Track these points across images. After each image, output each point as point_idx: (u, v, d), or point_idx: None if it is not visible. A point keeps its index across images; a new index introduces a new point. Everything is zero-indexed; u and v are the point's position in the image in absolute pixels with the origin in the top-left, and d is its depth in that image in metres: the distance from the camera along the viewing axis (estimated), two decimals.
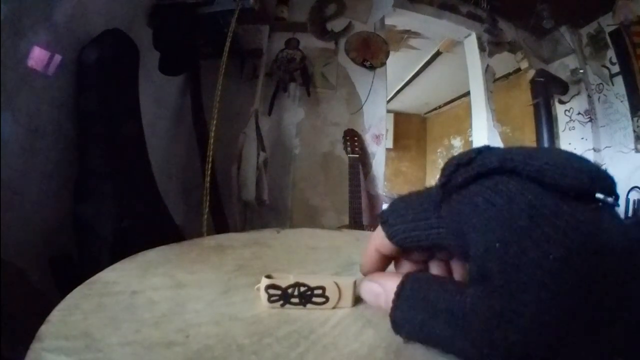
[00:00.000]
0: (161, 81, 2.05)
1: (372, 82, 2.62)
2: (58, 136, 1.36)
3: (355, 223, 2.20)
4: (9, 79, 1.13)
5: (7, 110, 1.13)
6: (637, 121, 2.83)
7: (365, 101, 2.61)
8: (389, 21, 2.84)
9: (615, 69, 2.99)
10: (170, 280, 0.59)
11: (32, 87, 1.25)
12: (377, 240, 0.37)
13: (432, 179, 6.94)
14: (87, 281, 0.56)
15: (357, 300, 0.56)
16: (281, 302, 0.49)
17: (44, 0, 1.27)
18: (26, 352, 0.37)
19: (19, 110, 1.19)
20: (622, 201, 2.75)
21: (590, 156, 3.11)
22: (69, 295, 0.50)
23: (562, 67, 3.33)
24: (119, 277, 0.59)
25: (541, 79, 3.17)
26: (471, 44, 3.15)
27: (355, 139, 2.44)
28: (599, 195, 0.23)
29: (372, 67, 2.61)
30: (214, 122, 1.74)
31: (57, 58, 1.34)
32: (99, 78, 1.44)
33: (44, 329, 0.42)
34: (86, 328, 0.43)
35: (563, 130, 3.38)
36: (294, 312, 0.50)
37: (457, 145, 6.12)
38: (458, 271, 0.36)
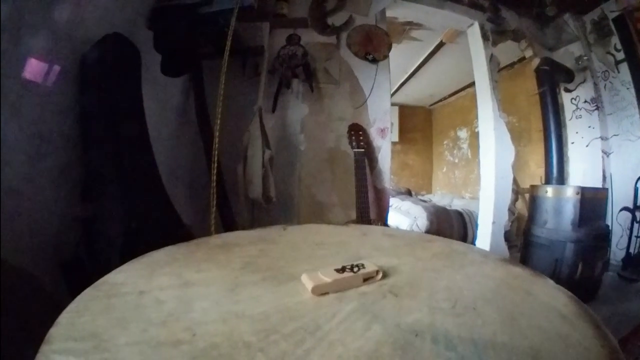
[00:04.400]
0: (164, 83, 2.05)
1: (376, 75, 2.61)
2: (63, 141, 1.37)
3: (363, 217, 2.20)
4: (10, 86, 1.14)
5: (11, 117, 1.14)
6: None
7: (369, 95, 2.60)
8: (390, 13, 2.82)
9: (621, 55, 2.96)
10: (177, 280, 0.60)
11: (34, 94, 1.26)
12: None
13: (439, 170, 6.92)
14: (95, 283, 0.57)
15: (366, 294, 0.57)
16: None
17: (43, 8, 1.27)
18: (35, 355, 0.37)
19: (23, 117, 1.20)
20: (630, 190, 2.72)
21: (598, 144, 3.09)
22: (77, 298, 0.51)
23: (567, 55, 3.30)
24: (127, 278, 0.60)
25: (546, 67, 3.14)
26: (474, 34, 3.13)
27: (360, 133, 2.43)
28: None
29: (374, 61, 2.60)
30: (218, 121, 1.73)
31: (56, 68, 1.34)
32: (101, 82, 1.45)
33: (53, 331, 0.43)
34: (94, 329, 0.43)
35: (570, 119, 3.36)
36: (301, 308, 0.51)
37: (464, 137, 6.09)
38: None
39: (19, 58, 1.18)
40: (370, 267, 0.62)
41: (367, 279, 0.61)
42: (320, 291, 0.55)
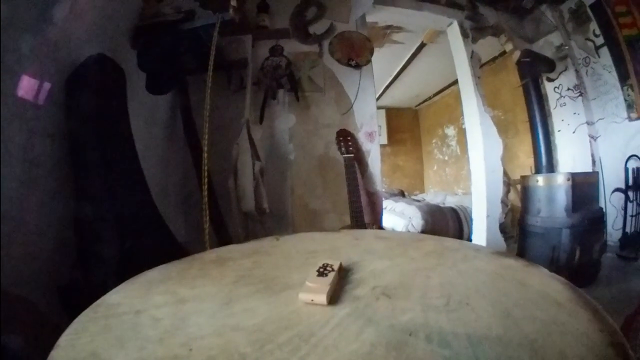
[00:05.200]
0: (150, 101, 2.06)
1: (360, 80, 2.63)
2: (52, 165, 1.37)
3: (357, 222, 2.20)
4: None
5: (2, 142, 1.13)
6: (627, 90, 2.83)
7: (355, 100, 2.62)
8: (370, 18, 2.85)
9: (600, 40, 3.00)
10: (172, 297, 0.60)
11: (22, 119, 1.25)
12: None
13: (430, 169, 6.95)
14: (93, 305, 0.57)
15: (359, 299, 0.58)
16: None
17: (28, 32, 1.27)
18: None
19: (12, 143, 1.20)
20: (621, 171, 2.75)
21: (585, 129, 3.12)
22: (76, 320, 0.52)
23: (547, 45, 3.34)
24: (123, 298, 0.61)
25: (527, 59, 3.18)
26: (454, 32, 3.16)
27: (349, 138, 2.45)
28: None
29: (358, 66, 2.62)
30: (206, 136, 1.74)
31: (47, 86, 1.35)
32: (87, 103, 1.45)
33: (54, 353, 0.44)
34: (93, 349, 0.44)
35: (554, 108, 3.39)
36: (295, 316, 0.51)
37: (451, 134, 6.13)
38: None
39: (5, 82, 1.18)
40: (335, 263, 0.67)
41: (339, 271, 0.66)
42: (331, 296, 0.56)
